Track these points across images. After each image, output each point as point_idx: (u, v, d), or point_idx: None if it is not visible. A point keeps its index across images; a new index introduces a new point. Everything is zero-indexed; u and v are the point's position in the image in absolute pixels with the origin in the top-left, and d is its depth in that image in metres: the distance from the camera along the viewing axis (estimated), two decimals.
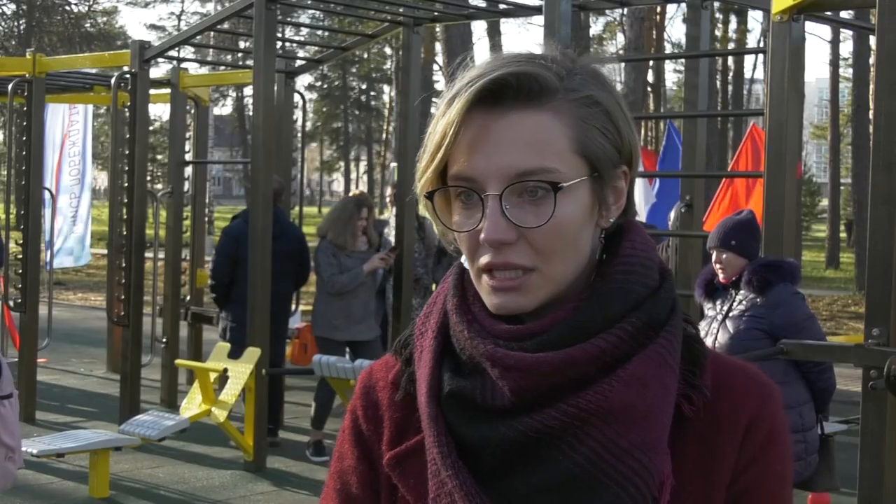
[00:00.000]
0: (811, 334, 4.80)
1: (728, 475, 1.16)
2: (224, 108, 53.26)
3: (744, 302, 4.91)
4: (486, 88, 1.14)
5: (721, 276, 5.02)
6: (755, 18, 44.71)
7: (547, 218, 1.13)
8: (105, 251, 12.41)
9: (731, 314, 4.95)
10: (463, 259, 1.25)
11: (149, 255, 9.29)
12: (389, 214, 9.49)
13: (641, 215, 9.20)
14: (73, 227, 12.99)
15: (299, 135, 10.22)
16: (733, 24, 34.24)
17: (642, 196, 9.79)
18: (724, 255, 4.98)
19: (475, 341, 1.16)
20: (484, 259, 1.15)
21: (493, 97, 1.14)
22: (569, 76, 1.16)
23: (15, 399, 3.23)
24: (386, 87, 50.67)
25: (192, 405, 7.15)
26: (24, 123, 9.43)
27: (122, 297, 8.26)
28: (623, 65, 15.28)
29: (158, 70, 14.70)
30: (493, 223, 1.13)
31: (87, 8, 35.75)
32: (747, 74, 37.27)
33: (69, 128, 12.81)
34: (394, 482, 1.22)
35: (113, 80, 8.67)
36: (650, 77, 29.22)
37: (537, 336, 1.14)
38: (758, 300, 4.86)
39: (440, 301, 1.25)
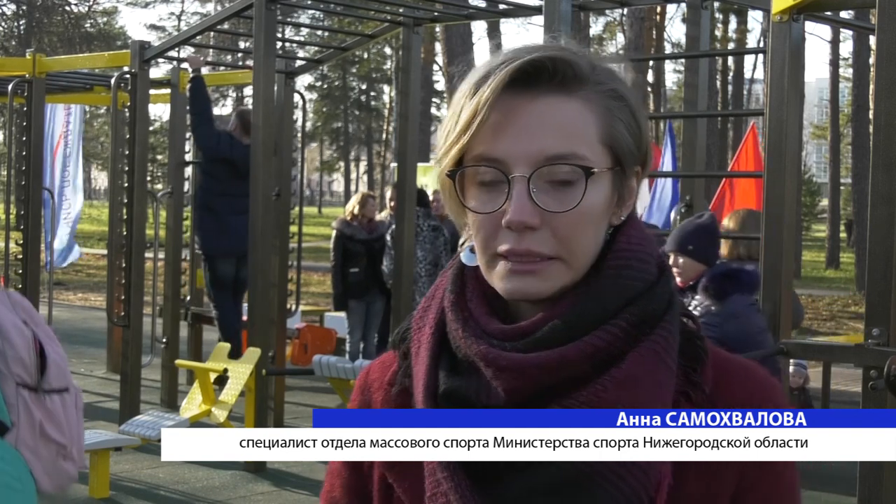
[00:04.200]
0: (763, 348, 4.72)
1: (732, 474, 1.14)
2: (224, 108, 53.29)
3: (699, 308, 4.81)
4: (523, 69, 1.12)
5: (678, 280, 4.93)
6: (755, 18, 44.71)
7: (574, 204, 1.11)
8: (105, 251, 12.40)
9: None
10: (463, 255, 1.22)
11: (149, 255, 9.28)
12: (389, 215, 9.49)
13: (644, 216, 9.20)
14: (69, 228, 12.98)
15: (299, 135, 10.21)
16: (733, 24, 34.22)
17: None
18: (681, 260, 4.84)
19: (469, 340, 1.14)
20: (504, 246, 1.12)
21: (526, 80, 1.12)
22: (594, 69, 1.16)
23: (71, 394, 3.07)
24: (386, 87, 50.66)
25: (192, 405, 7.15)
26: (24, 123, 9.44)
27: (122, 297, 8.25)
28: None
29: (158, 70, 14.65)
30: (520, 205, 1.11)
31: (87, 8, 35.78)
32: (747, 74, 37.26)
33: (64, 128, 12.79)
34: (389, 482, 1.20)
35: (113, 81, 8.66)
36: (650, 77, 29.21)
37: (530, 335, 1.12)
38: (713, 308, 4.76)
39: (439, 295, 1.22)
